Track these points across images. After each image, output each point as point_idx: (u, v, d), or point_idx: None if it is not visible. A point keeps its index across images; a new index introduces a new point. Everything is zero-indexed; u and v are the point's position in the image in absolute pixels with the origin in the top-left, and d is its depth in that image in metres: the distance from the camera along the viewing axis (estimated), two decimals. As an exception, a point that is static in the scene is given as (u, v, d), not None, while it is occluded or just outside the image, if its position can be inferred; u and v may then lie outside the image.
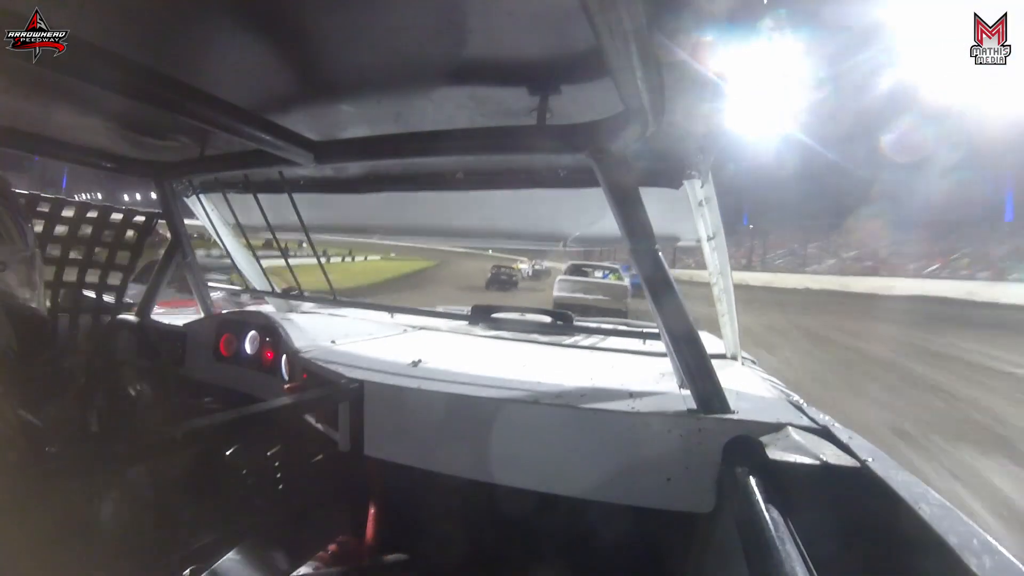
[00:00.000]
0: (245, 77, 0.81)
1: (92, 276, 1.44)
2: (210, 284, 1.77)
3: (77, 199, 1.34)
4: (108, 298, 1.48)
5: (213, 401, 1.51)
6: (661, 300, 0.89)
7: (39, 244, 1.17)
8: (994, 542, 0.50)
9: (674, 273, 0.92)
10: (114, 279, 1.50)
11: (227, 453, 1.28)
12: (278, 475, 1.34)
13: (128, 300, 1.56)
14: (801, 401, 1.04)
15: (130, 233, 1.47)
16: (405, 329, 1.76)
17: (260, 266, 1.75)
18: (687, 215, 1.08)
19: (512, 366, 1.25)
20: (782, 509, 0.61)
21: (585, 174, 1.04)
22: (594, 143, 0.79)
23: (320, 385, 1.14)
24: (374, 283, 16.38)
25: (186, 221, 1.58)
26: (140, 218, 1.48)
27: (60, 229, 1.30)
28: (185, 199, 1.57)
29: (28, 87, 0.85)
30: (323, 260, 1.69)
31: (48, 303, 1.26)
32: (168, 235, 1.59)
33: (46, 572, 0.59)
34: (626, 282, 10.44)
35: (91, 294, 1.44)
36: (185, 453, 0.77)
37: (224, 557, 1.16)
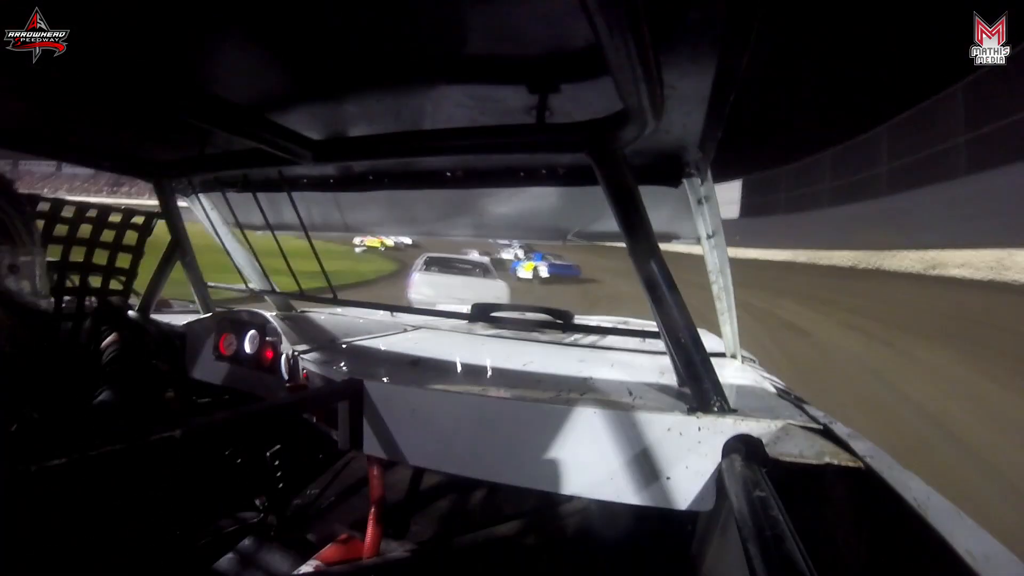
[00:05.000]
0: (244, 76, 0.81)
1: (92, 277, 1.44)
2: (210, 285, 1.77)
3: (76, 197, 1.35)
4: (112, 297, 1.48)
5: (213, 401, 1.52)
6: (660, 298, 0.89)
7: (41, 244, 1.18)
8: (995, 541, 0.50)
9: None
10: (114, 279, 1.50)
11: (227, 452, 1.28)
12: (278, 474, 1.34)
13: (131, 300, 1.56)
14: (801, 399, 1.04)
15: (130, 233, 1.47)
16: (405, 328, 1.76)
17: (260, 265, 1.75)
18: (687, 213, 1.08)
19: (512, 365, 1.25)
20: (782, 508, 0.61)
21: (584, 172, 1.04)
22: (593, 142, 0.79)
23: (319, 384, 1.14)
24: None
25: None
26: (139, 218, 1.48)
27: (60, 229, 1.30)
28: (184, 198, 1.57)
29: (28, 87, 0.85)
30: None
31: (52, 302, 1.26)
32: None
33: (45, 571, 0.59)
34: (500, 281, 8.39)
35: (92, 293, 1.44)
36: (185, 453, 0.77)
37: (224, 557, 1.17)
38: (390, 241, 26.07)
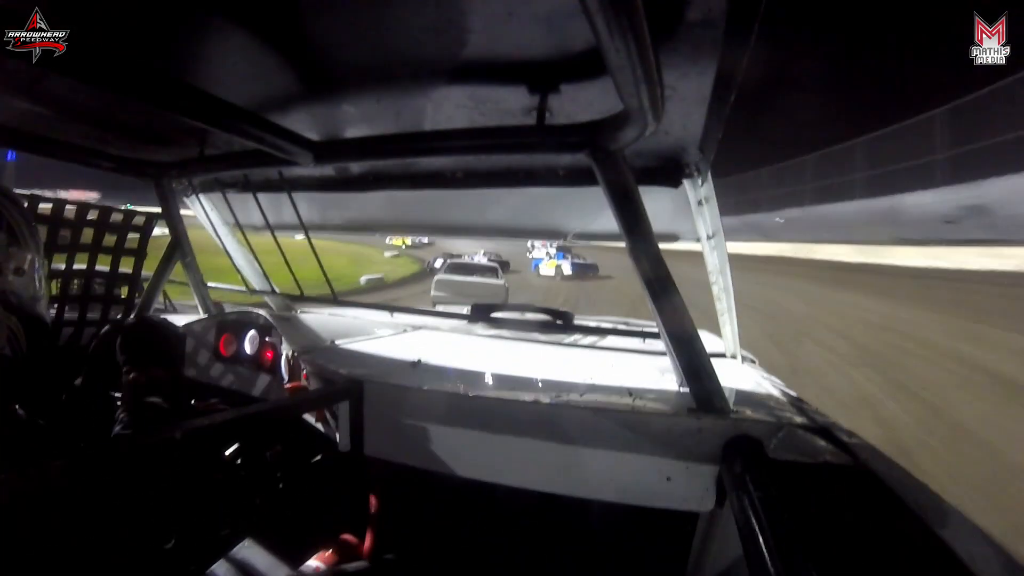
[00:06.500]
0: (244, 77, 0.81)
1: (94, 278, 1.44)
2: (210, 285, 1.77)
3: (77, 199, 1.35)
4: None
5: (213, 401, 1.51)
6: (660, 299, 0.89)
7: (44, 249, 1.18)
8: (995, 540, 0.50)
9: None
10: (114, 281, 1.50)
11: (227, 453, 1.28)
12: (278, 475, 1.34)
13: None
14: (801, 400, 1.04)
15: (131, 235, 1.47)
16: (405, 329, 1.76)
17: (260, 266, 1.75)
18: (686, 214, 1.08)
19: (512, 365, 1.26)
20: (782, 508, 0.61)
21: (585, 173, 1.04)
22: (593, 142, 0.79)
23: (320, 385, 1.14)
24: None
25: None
26: (140, 219, 1.48)
27: (63, 234, 1.30)
28: (185, 199, 1.57)
29: (28, 87, 0.85)
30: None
31: (52, 300, 1.26)
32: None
33: (45, 572, 0.59)
34: (501, 281, 10.40)
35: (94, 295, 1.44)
36: (184, 454, 0.77)
37: (224, 557, 1.17)
38: (409, 240, 28.60)
